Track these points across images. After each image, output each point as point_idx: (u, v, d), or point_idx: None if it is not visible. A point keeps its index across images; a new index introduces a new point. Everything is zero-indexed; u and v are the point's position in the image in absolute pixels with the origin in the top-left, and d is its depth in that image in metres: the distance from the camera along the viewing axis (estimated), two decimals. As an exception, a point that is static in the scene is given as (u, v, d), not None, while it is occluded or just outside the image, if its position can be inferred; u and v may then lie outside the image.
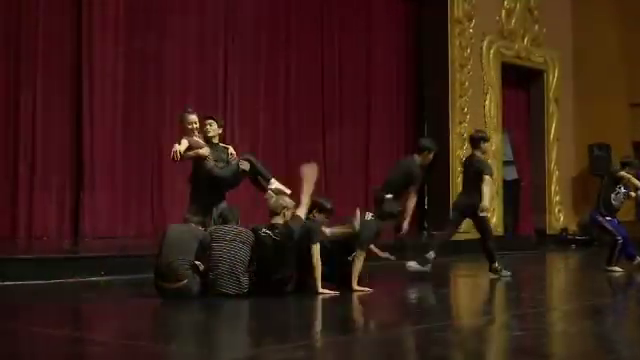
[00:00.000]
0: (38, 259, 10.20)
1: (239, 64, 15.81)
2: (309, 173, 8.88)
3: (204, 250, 8.32)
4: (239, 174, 9.51)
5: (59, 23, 13.58)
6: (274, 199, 8.80)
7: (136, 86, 14.41)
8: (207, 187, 9.39)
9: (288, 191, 9.20)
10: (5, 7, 13.02)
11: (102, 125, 13.88)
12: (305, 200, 8.66)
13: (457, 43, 18.34)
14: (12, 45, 13.09)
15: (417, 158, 10.32)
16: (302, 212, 8.61)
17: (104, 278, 10.00)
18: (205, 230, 8.64)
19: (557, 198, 20.80)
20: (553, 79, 20.83)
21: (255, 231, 8.48)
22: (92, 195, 13.67)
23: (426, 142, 10.61)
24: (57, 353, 5.82)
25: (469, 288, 11.07)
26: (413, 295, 9.64)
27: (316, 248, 8.39)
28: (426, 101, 18.81)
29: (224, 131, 10.69)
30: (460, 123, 18.27)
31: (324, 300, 8.31)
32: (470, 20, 18.61)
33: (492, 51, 19.14)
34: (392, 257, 10.08)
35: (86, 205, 13.61)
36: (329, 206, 9.07)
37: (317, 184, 9.13)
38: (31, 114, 13.21)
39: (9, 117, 12.97)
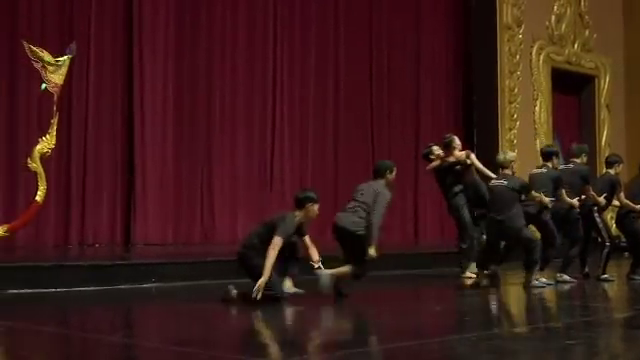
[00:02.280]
0: (90, 266, 10.30)
1: (287, 74, 15.84)
2: None
3: None
4: None
5: (111, 33, 13.74)
6: None
7: (186, 96, 14.52)
8: None
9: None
10: (58, 22, 13.18)
11: (153, 134, 14.01)
12: None
13: (506, 49, 18.21)
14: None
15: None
16: None
17: (155, 285, 10.05)
18: None
19: (609, 206, 20.46)
20: (604, 85, 20.57)
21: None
22: (143, 203, 13.80)
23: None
24: (108, 358, 5.86)
25: (519, 295, 10.92)
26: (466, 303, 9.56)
27: None
28: (475, 107, 18.68)
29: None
30: (510, 129, 18.11)
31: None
32: (519, 26, 18.46)
33: (542, 57, 18.97)
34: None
35: (137, 213, 13.75)
36: None
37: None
38: (83, 124, 13.38)
39: (62, 129, 13.11)
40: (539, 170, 11.02)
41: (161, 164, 14.11)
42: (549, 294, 10.04)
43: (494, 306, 9.44)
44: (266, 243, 8.41)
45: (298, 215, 8.71)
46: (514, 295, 10.45)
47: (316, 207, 8.78)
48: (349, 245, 8.93)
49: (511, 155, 11.02)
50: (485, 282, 10.57)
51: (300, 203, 8.74)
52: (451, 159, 11.63)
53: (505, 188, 10.33)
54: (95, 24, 13.56)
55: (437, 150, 11.96)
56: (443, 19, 18.55)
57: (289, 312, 8.26)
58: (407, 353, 5.92)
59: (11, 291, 9.10)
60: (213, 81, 14.88)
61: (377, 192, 8.84)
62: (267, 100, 15.61)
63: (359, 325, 7.80)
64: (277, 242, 8.35)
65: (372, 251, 8.60)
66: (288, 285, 8.70)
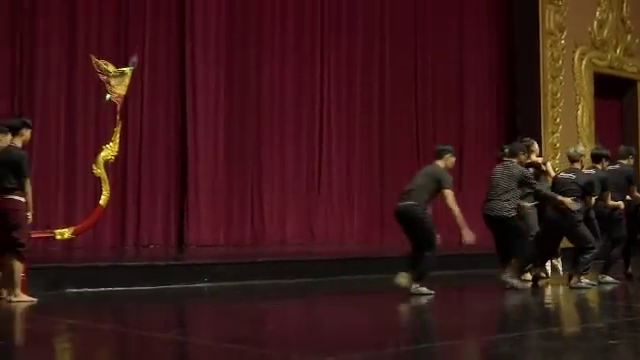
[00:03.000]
0: (146, 266, 10.41)
1: (334, 79, 15.86)
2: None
3: None
4: None
5: (164, 43, 13.91)
6: None
7: (236, 102, 14.62)
8: None
9: None
10: (114, 36, 13.38)
11: (205, 139, 14.13)
12: None
13: (549, 54, 18.04)
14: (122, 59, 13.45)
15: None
16: None
17: (207, 284, 10.12)
18: None
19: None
20: (647, 89, 20.28)
21: None
22: (195, 206, 13.92)
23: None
24: (163, 355, 5.91)
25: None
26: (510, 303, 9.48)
27: None
28: (518, 112, 18.51)
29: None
30: (552, 133, 17.93)
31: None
32: (562, 31, 18.27)
33: (584, 62, 18.75)
34: None
35: (190, 215, 13.87)
36: None
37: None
38: (139, 130, 13.54)
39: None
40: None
41: (213, 168, 14.22)
42: (592, 295, 9.91)
43: (539, 306, 9.33)
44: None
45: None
46: (559, 295, 10.32)
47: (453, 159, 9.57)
48: (502, 231, 9.74)
49: (581, 149, 10.93)
50: (541, 281, 10.53)
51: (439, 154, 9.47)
52: (527, 161, 11.44)
53: (571, 182, 10.20)
54: (149, 36, 13.72)
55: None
56: (486, 25, 18.41)
57: (339, 309, 8.25)
58: (451, 352, 5.90)
59: (71, 290, 9.25)
60: (262, 87, 14.95)
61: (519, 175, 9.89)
62: (314, 106, 15.64)
63: (399, 325, 7.77)
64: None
65: None
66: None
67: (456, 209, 9.11)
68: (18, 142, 8.44)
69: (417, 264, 9.07)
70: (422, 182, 9.27)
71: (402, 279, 8.99)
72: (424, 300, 8.90)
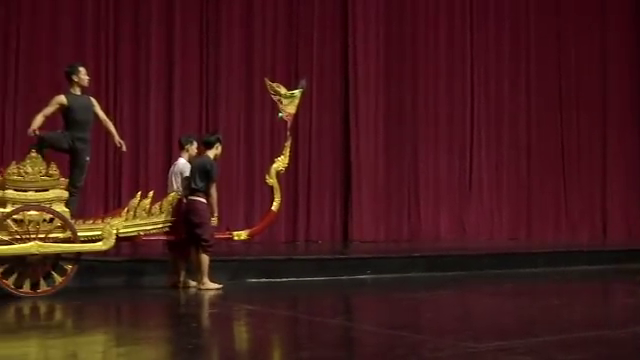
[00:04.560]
0: (315, 259, 10.63)
1: (483, 87, 15.64)
2: None
3: None
4: None
5: (330, 66, 14.19)
6: None
7: (394, 109, 14.67)
8: None
9: None
10: (285, 61, 13.76)
11: (366, 144, 14.27)
12: None
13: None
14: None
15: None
16: None
17: (370, 276, 10.21)
18: None
19: None
20: None
21: None
22: (358, 205, 14.09)
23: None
24: (332, 338, 6.06)
25: None
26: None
27: None
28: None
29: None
30: None
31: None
32: None
33: None
34: None
35: (354, 215, 14.05)
36: None
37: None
38: (307, 138, 13.84)
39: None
40: None
41: (374, 170, 14.35)
42: None
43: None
44: None
45: None
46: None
47: None
48: None
49: None
50: None
51: None
52: None
53: None
54: (316, 60, 13.99)
55: None
56: (631, 41, 17.40)
57: (490, 299, 8.16)
58: (597, 342, 5.74)
59: (250, 280, 9.57)
60: (418, 95, 14.91)
61: None
62: (465, 108, 15.43)
63: (542, 316, 7.60)
64: None
65: None
66: None
67: None
68: (211, 154, 8.86)
69: None
70: None
71: None
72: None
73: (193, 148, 9.17)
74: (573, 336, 6.00)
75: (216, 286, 8.66)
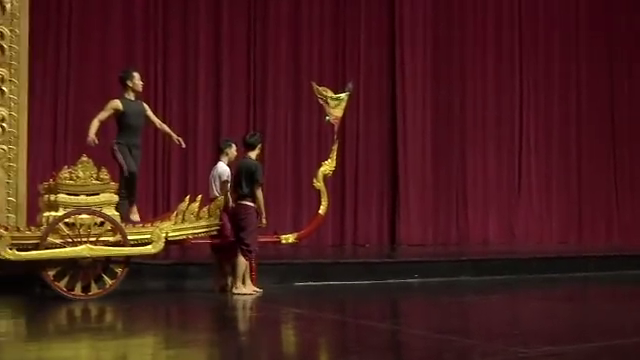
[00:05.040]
0: (362, 263, 10.60)
1: (533, 91, 15.44)
2: None
3: None
4: None
5: (377, 70, 14.14)
6: None
7: (441, 112, 14.56)
8: None
9: None
10: (333, 66, 13.74)
11: (413, 147, 14.19)
12: None
13: None
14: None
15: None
16: None
17: (417, 280, 10.15)
18: None
19: None
20: None
21: None
22: (406, 209, 14.01)
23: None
24: (380, 342, 6.01)
25: None
26: None
27: None
28: None
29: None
30: None
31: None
32: None
33: None
34: None
35: (401, 217, 13.98)
36: None
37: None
38: (355, 142, 13.80)
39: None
40: None
41: (421, 173, 14.26)
42: None
43: None
44: None
45: None
46: None
47: None
48: None
49: None
50: None
51: None
52: None
53: None
54: (364, 62, 13.97)
55: None
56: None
57: (540, 304, 8.05)
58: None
59: (298, 283, 9.56)
60: (465, 97, 14.79)
61: None
62: (514, 111, 15.25)
63: (593, 321, 7.46)
64: None
65: None
66: None
67: None
68: (253, 155, 8.86)
69: None
70: None
71: None
72: None
73: (232, 151, 9.14)
74: (624, 342, 5.88)
75: (251, 290, 8.56)
